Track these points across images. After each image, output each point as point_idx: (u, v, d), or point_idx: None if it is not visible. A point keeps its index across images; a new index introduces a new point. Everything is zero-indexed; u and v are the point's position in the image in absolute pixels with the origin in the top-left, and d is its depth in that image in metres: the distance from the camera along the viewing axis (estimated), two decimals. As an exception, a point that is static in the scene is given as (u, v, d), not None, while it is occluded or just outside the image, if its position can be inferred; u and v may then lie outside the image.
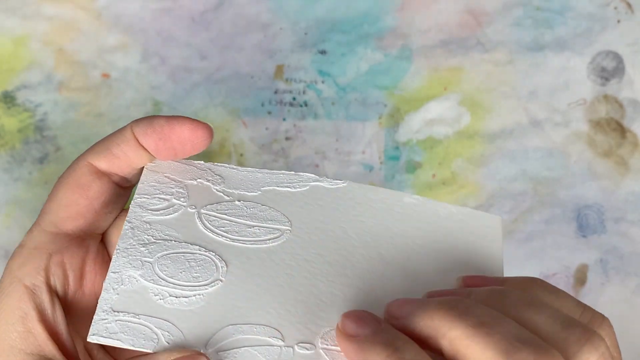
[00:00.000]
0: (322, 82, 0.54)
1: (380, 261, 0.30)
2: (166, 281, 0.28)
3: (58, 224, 0.30)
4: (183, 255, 0.29)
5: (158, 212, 0.30)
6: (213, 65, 0.54)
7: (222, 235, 0.29)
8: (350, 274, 0.29)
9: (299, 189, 0.30)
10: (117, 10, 0.53)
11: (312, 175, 0.30)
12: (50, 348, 0.27)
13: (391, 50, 0.54)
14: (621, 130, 0.55)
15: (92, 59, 0.53)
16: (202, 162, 0.31)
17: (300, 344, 0.28)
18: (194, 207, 0.30)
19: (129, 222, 0.29)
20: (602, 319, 0.26)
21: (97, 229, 0.31)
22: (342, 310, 0.27)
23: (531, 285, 0.27)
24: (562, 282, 0.54)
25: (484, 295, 0.26)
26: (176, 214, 0.30)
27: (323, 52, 0.54)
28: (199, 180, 0.30)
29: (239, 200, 0.30)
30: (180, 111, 0.53)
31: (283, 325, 0.28)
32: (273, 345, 0.28)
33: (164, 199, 0.30)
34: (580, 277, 0.54)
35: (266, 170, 0.30)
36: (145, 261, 0.29)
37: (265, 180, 0.30)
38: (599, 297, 0.54)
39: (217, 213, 0.30)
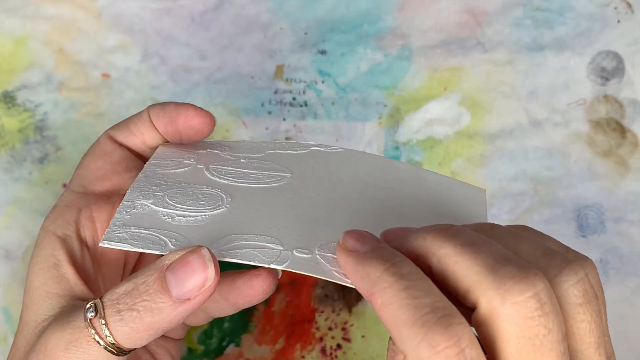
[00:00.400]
0: (322, 82, 0.54)
1: (373, 204, 0.31)
2: (175, 207, 0.31)
3: (86, 186, 0.33)
4: (191, 190, 0.32)
5: (170, 168, 0.33)
6: (213, 65, 0.54)
7: (228, 179, 0.32)
8: (346, 209, 0.31)
9: (300, 151, 0.33)
10: (117, 10, 0.53)
11: (313, 142, 0.32)
12: (80, 288, 0.29)
13: (391, 50, 0.54)
14: (621, 130, 0.55)
15: (92, 59, 0.53)
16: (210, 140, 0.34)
17: (299, 249, 0.29)
18: (202, 164, 0.33)
19: (143, 173, 0.33)
20: (585, 258, 0.26)
21: (121, 190, 0.34)
22: (340, 231, 0.28)
23: (521, 227, 0.29)
24: (562, 282, 0.54)
25: (474, 226, 0.27)
26: (186, 168, 0.33)
27: (323, 52, 0.54)
28: (207, 149, 0.34)
29: (244, 159, 0.33)
30: (180, 111, 0.53)
31: (282, 237, 0.30)
32: (273, 249, 0.29)
33: (176, 161, 0.33)
34: (580, 277, 0.55)
35: (270, 141, 0.32)
36: (156, 194, 0.32)
37: (268, 147, 0.33)
38: (599, 297, 0.54)
39: (223, 167, 0.33)
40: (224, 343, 0.53)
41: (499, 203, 0.54)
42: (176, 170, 0.32)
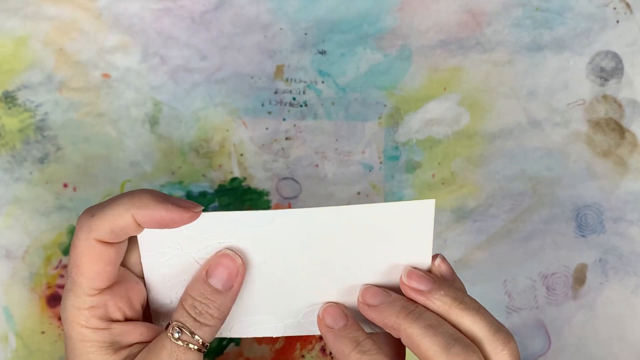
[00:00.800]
0: (322, 82, 0.54)
1: (334, 259, 0.37)
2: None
3: (94, 288, 0.35)
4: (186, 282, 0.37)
5: (164, 263, 0.36)
6: (213, 66, 0.54)
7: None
8: (316, 273, 0.37)
9: (264, 226, 0.36)
10: (117, 10, 0.53)
11: (272, 211, 0.35)
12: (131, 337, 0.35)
13: (391, 50, 0.55)
14: (620, 130, 0.55)
15: (92, 59, 0.53)
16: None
17: (287, 321, 0.38)
18: (188, 253, 0.36)
19: (147, 278, 0.37)
20: (512, 336, 0.37)
21: (121, 274, 0.37)
22: (316, 297, 0.38)
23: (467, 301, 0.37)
24: (561, 282, 0.54)
25: (444, 297, 0.36)
26: (174, 259, 0.36)
27: (323, 52, 0.54)
28: (184, 231, 0.35)
29: (220, 242, 0.36)
30: (181, 111, 0.53)
31: (275, 312, 0.38)
32: (270, 324, 0.38)
33: (161, 252, 0.36)
34: (580, 277, 0.55)
35: (238, 212, 0.35)
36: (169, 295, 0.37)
37: (238, 224, 0.35)
38: (598, 296, 0.55)
39: (206, 253, 0.36)
40: (224, 342, 0.53)
41: (498, 203, 0.54)
42: (167, 261, 0.36)
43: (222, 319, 0.34)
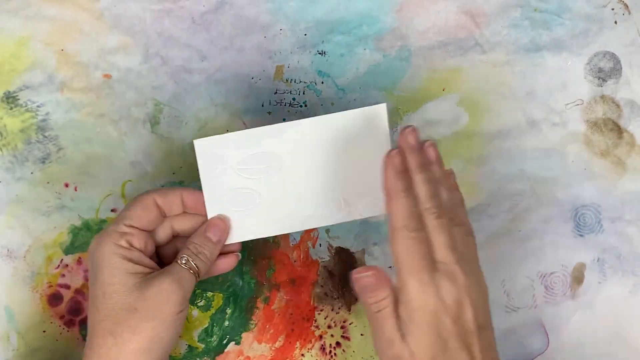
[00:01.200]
0: (322, 82, 0.54)
1: (328, 162, 0.48)
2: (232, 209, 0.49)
3: (132, 225, 0.47)
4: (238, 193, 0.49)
5: (215, 171, 0.48)
6: (213, 66, 0.54)
7: (252, 178, 0.49)
8: (324, 173, 0.48)
9: (277, 137, 0.48)
10: (118, 11, 0.54)
11: (285, 123, 0.47)
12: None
13: (390, 51, 0.55)
14: (618, 130, 0.55)
15: (93, 59, 0.53)
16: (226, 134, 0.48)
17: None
18: (231, 167, 0.48)
19: (207, 194, 0.49)
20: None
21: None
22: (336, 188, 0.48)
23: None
24: (560, 281, 0.55)
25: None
26: (223, 169, 0.48)
27: (322, 53, 0.54)
28: (226, 149, 0.48)
29: (250, 153, 0.48)
30: (181, 111, 0.54)
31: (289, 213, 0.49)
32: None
33: (214, 166, 0.48)
34: (578, 276, 0.55)
35: (261, 128, 0.47)
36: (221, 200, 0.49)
37: (259, 135, 0.48)
38: (597, 296, 0.55)
39: (244, 166, 0.48)
40: (225, 341, 0.54)
41: (497, 203, 0.54)
42: (217, 170, 0.48)
43: (211, 260, 0.48)
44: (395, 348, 0.42)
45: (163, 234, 0.49)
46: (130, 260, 0.45)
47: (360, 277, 0.44)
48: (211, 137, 0.48)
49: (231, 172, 0.48)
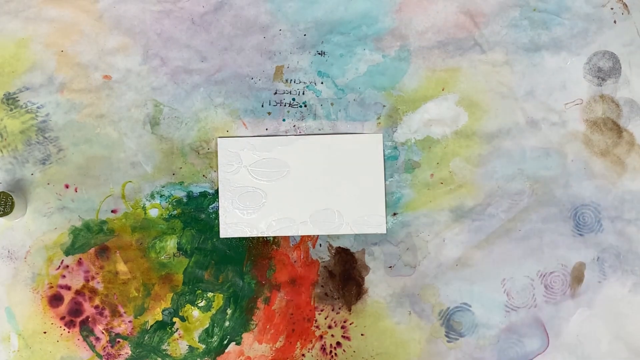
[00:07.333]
0: (321, 82, 0.54)
1: (319, 181, 0.54)
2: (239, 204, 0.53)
3: None
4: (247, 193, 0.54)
5: (231, 173, 0.53)
6: (213, 67, 0.54)
7: (261, 179, 0.53)
8: (318, 189, 0.54)
9: (285, 146, 0.54)
10: (117, 12, 0.54)
11: (292, 136, 0.54)
12: None
13: (389, 51, 0.55)
14: (617, 129, 0.55)
15: (93, 60, 0.53)
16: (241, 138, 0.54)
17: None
18: (245, 167, 0.53)
19: (222, 186, 0.53)
20: None
21: None
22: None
23: None
24: (560, 281, 0.55)
25: None
26: (237, 168, 0.53)
27: (322, 54, 0.55)
28: (243, 150, 0.54)
29: (263, 156, 0.53)
30: (181, 112, 0.54)
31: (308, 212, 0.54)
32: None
33: (229, 165, 0.53)
34: (578, 276, 0.55)
35: (274, 136, 0.54)
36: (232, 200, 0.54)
37: (275, 142, 0.54)
38: (596, 295, 0.55)
39: (256, 168, 0.53)
40: (225, 342, 0.54)
41: (496, 202, 0.55)
42: (232, 169, 0.53)
43: None
44: None
45: None
46: None
47: None
48: (233, 137, 0.53)
49: (244, 171, 0.53)
